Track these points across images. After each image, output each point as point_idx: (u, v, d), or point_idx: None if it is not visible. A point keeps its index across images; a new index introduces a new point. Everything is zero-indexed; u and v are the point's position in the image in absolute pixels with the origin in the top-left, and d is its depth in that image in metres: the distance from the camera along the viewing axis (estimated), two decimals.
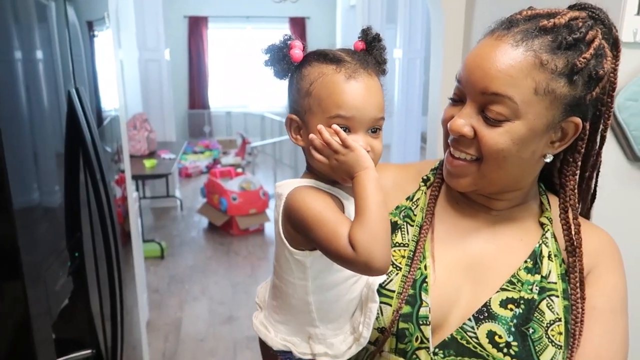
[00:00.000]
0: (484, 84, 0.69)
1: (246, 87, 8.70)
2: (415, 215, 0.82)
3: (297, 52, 0.74)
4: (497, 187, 0.76)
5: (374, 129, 0.72)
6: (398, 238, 0.81)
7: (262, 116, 7.30)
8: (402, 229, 0.82)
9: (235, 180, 4.76)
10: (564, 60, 0.68)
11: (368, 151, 0.70)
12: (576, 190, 0.78)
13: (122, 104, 2.21)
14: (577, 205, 0.79)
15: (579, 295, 0.75)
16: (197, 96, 8.60)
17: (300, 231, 0.70)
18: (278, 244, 0.75)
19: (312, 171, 0.76)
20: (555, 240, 0.79)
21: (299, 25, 8.70)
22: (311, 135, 0.70)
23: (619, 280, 0.79)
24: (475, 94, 0.70)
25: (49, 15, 1.12)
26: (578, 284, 0.75)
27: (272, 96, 8.45)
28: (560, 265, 0.78)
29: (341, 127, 0.69)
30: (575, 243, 0.76)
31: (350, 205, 0.73)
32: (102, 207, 1.30)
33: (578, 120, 0.72)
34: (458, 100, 0.74)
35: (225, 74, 8.69)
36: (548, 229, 0.79)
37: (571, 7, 0.74)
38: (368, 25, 0.75)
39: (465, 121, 0.71)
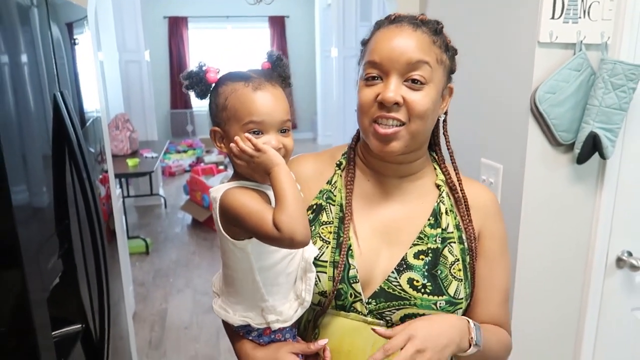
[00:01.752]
0: (408, 55, 0.85)
1: None
2: (335, 196, 0.97)
3: (212, 75, 0.90)
4: (419, 143, 0.93)
5: (283, 130, 0.87)
6: (324, 217, 0.96)
7: None
8: (326, 210, 0.96)
9: (217, 176, 4.90)
10: (441, 40, 0.90)
11: (280, 148, 0.85)
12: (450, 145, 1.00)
13: (103, 106, 2.30)
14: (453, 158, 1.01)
15: (472, 235, 0.96)
16: (178, 96, 8.68)
17: (236, 224, 0.84)
18: (221, 239, 0.89)
19: (238, 174, 0.90)
20: (449, 197, 0.99)
21: (278, 24, 8.82)
22: (230, 145, 0.85)
23: (502, 228, 1.01)
24: (400, 66, 0.85)
25: (32, 19, 1.19)
26: (470, 228, 0.96)
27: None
28: (455, 218, 0.97)
29: (255, 131, 0.84)
30: (460, 188, 0.97)
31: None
32: (88, 205, 1.40)
33: (452, 85, 0.95)
34: (375, 78, 0.88)
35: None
36: (443, 190, 0.98)
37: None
38: (272, 49, 0.94)
39: (396, 92, 0.85)
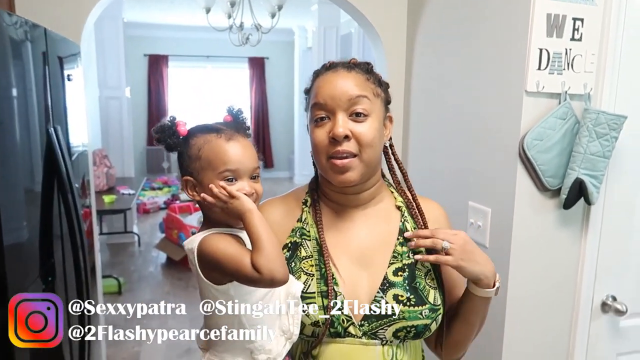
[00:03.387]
0: (349, 93, 0.96)
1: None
2: (308, 232, 1.04)
3: (182, 129, 0.94)
4: (372, 171, 1.01)
5: (254, 176, 0.92)
6: (303, 253, 1.02)
7: None
8: (303, 245, 1.03)
9: (195, 215, 4.83)
10: (374, 77, 1.01)
11: (252, 193, 0.90)
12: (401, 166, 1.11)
13: (90, 140, 2.27)
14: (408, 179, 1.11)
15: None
16: None
17: (216, 269, 0.87)
18: (203, 288, 0.92)
19: (209, 222, 0.93)
20: (410, 216, 1.08)
21: (258, 65, 8.97)
22: (203, 194, 0.89)
23: None
24: (343, 103, 0.96)
25: (25, 53, 1.19)
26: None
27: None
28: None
29: (230, 178, 0.89)
30: (416, 205, 1.07)
31: (247, 239, 0.90)
32: (75, 239, 1.37)
33: (391, 114, 1.06)
34: (324, 118, 0.97)
35: (184, 111, 8.78)
36: (404, 210, 1.08)
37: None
38: (231, 105, 0.99)
39: (344, 126, 0.95)
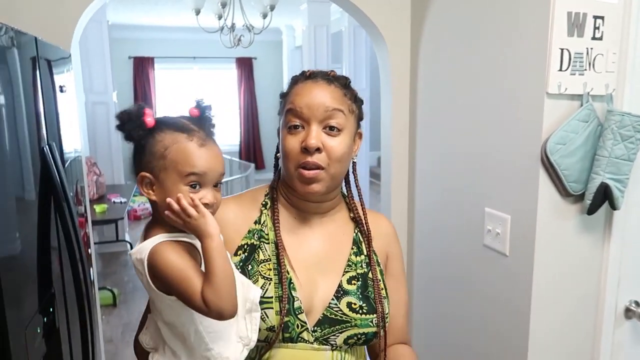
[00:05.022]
0: (326, 105, 0.97)
1: None
2: (267, 235, 1.03)
3: (149, 119, 0.87)
4: (337, 184, 1.03)
5: (216, 184, 0.89)
6: (260, 256, 1.01)
7: None
8: (261, 248, 1.02)
9: None
10: (350, 93, 1.03)
11: (214, 203, 0.87)
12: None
13: (84, 145, 2.19)
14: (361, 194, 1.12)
15: (374, 260, 1.08)
16: None
17: (165, 285, 0.83)
18: (156, 299, 0.87)
19: (159, 222, 0.87)
20: (360, 232, 1.10)
21: (246, 65, 8.86)
22: (168, 199, 0.83)
23: (400, 252, 1.18)
24: (319, 114, 0.97)
25: (10, 59, 1.13)
26: (373, 254, 1.08)
27: (219, 135, 8.46)
28: (371, 246, 1.09)
29: (194, 184, 0.85)
30: (365, 221, 1.09)
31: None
32: (72, 251, 1.31)
33: (361, 130, 1.07)
34: (297, 127, 0.98)
35: (172, 113, 8.63)
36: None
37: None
38: (201, 98, 0.94)
39: (317, 138, 0.96)
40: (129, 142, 0.89)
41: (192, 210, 0.82)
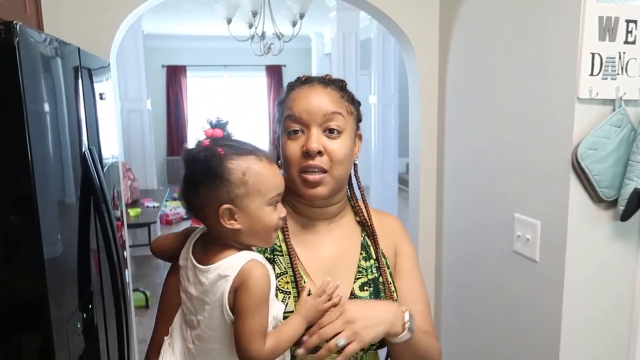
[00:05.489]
0: (325, 109, 0.97)
1: None
2: (280, 247, 1.02)
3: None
4: (341, 187, 1.03)
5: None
6: (276, 270, 0.99)
7: None
8: (276, 261, 1.00)
9: None
10: (347, 95, 1.03)
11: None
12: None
13: (120, 150, 2.26)
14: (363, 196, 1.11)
15: (384, 263, 1.07)
16: (175, 143, 8.68)
17: (238, 303, 0.82)
18: (218, 317, 0.85)
19: (233, 247, 0.87)
20: (367, 235, 1.09)
21: (275, 72, 8.97)
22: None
23: (411, 248, 1.14)
24: (318, 118, 0.97)
25: (54, 69, 1.18)
26: (382, 256, 1.07)
27: (248, 141, 8.59)
28: (378, 248, 1.08)
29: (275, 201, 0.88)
30: (370, 223, 1.08)
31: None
32: (111, 253, 1.36)
33: (361, 132, 1.07)
34: (297, 132, 0.98)
35: (203, 120, 8.81)
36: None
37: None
38: (217, 117, 0.93)
39: (318, 142, 0.96)
40: (207, 180, 0.84)
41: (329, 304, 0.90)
